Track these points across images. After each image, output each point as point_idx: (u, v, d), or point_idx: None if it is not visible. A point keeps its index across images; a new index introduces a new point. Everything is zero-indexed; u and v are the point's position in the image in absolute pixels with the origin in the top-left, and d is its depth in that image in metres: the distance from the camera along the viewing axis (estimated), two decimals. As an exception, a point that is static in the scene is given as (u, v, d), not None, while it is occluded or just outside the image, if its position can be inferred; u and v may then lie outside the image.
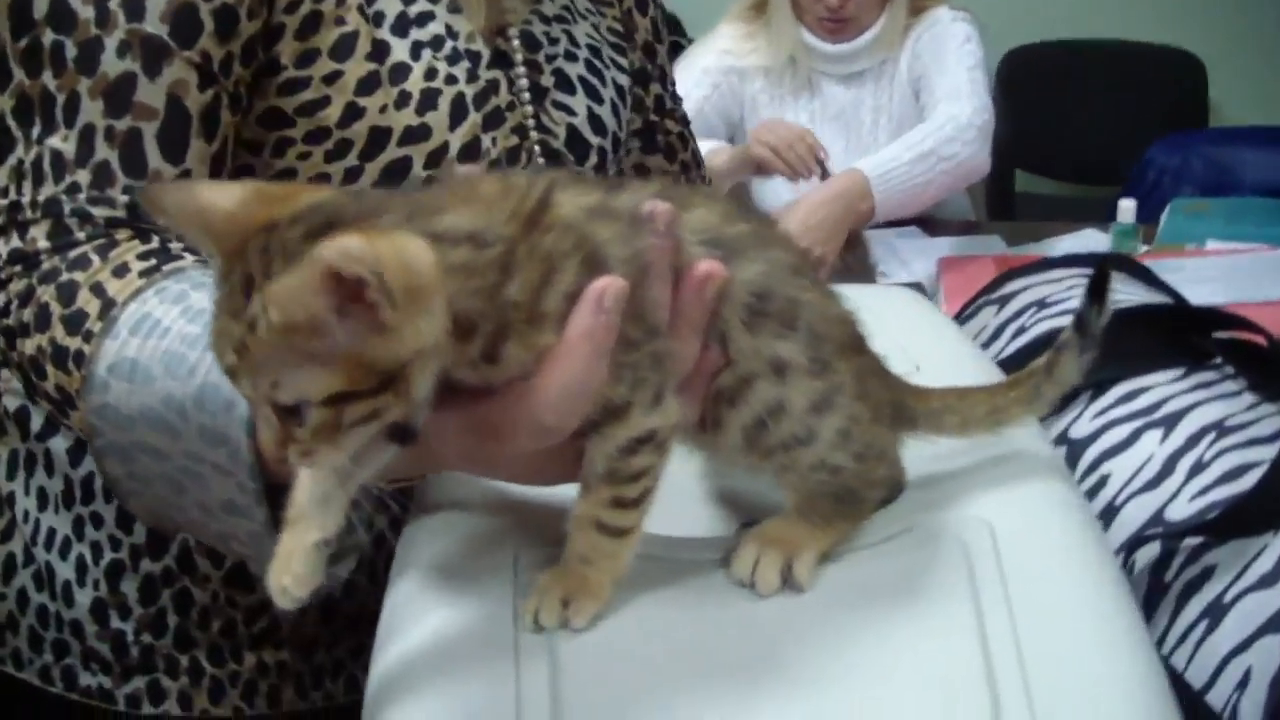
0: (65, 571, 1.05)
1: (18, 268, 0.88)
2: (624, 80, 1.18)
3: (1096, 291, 0.78)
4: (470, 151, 1.03)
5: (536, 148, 1.09)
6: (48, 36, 0.88)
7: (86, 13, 0.88)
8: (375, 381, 0.58)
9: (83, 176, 0.88)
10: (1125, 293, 1.22)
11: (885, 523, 0.72)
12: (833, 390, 0.69)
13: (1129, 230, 2.18)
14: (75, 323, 0.84)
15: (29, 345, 0.86)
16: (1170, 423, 1.00)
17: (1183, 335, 1.10)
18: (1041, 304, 1.22)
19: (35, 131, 0.89)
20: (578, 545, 0.67)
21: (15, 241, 0.88)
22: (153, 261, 0.86)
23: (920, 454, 0.76)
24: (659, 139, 1.28)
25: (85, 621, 1.06)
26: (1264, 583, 0.85)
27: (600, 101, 1.14)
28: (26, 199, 0.88)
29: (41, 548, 1.06)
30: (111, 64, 0.89)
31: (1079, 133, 3.46)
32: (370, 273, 0.53)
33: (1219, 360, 1.05)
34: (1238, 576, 0.86)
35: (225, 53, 0.92)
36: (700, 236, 0.66)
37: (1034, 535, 0.71)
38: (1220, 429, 0.97)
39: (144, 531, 1.04)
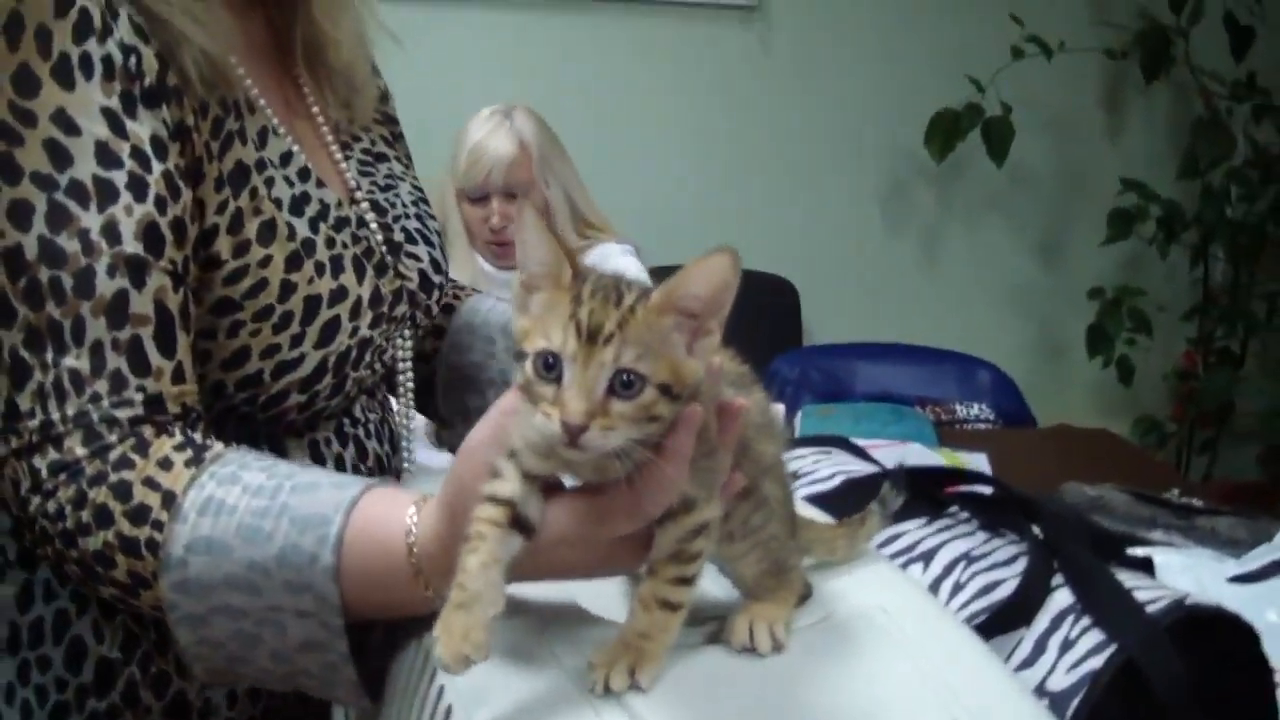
0: (11, 717, 1.11)
1: (62, 476, 0.98)
2: (435, 224, 1.39)
3: (894, 479, 1.12)
4: (376, 299, 1.21)
5: (404, 290, 1.27)
6: (44, 273, 0.99)
7: (73, 246, 1.00)
8: (676, 392, 0.78)
9: (101, 386, 0.99)
10: (854, 465, 1.53)
11: (813, 610, 0.97)
12: (787, 493, 0.96)
13: (781, 431, 2.53)
14: (140, 515, 0.97)
15: (92, 543, 0.97)
16: (928, 557, 1.29)
17: (919, 491, 1.40)
18: (795, 475, 1.50)
19: (49, 356, 0.99)
20: (639, 623, 0.86)
21: (53, 455, 0.98)
22: (190, 453, 1.00)
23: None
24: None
25: None
26: (1025, 664, 1.14)
27: (434, 246, 1.35)
28: (56, 415, 0.98)
29: None
30: (105, 284, 1.00)
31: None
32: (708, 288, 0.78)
33: (954, 509, 1.35)
34: (1005, 661, 1.15)
35: (183, 257, 1.06)
36: (727, 379, 0.89)
37: (910, 610, 0.97)
38: (969, 558, 1.26)
39: (92, 670, 1.12)
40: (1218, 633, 1.13)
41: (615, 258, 2.82)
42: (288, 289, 1.13)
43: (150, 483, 0.97)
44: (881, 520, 1.09)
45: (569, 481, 0.86)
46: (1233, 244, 3.96)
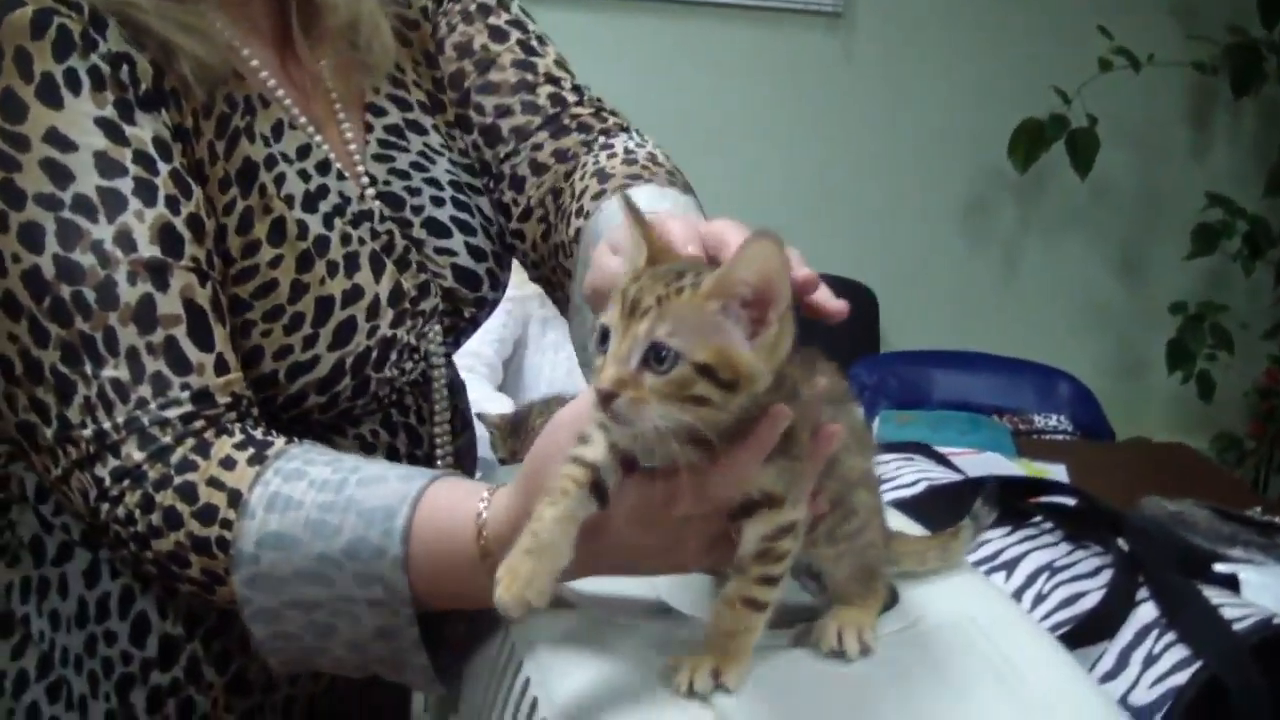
0: (80, 686, 1.15)
1: (126, 483, 1.00)
2: (483, 202, 1.32)
3: (987, 494, 1.11)
4: (396, 296, 1.19)
5: (433, 284, 1.24)
6: (65, 290, 1.00)
7: (89, 260, 1.00)
8: (725, 378, 0.78)
9: (145, 390, 1.00)
10: (936, 471, 1.53)
11: (900, 616, 0.98)
12: (876, 497, 0.98)
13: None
14: (208, 515, 0.99)
15: (164, 544, 1.00)
16: (1010, 566, 1.29)
17: (1002, 500, 1.40)
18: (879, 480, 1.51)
19: (88, 369, 1.00)
20: (725, 622, 0.88)
21: (114, 462, 1.00)
22: (252, 450, 1.01)
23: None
24: (566, 123, 1.33)
25: None
26: (1108, 677, 1.14)
27: (473, 233, 1.29)
28: (108, 424, 1.00)
29: (57, 664, 1.15)
30: (128, 292, 1.01)
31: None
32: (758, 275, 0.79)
33: (1037, 518, 1.35)
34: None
35: (205, 251, 1.06)
36: (826, 398, 0.90)
37: (998, 619, 0.98)
38: (1051, 569, 1.27)
39: (156, 645, 1.15)
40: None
41: None
42: (298, 290, 1.13)
43: (215, 483, 1.00)
44: (974, 534, 1.09)
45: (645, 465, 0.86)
46: (1319, 262, 3.90)
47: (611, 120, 1.36)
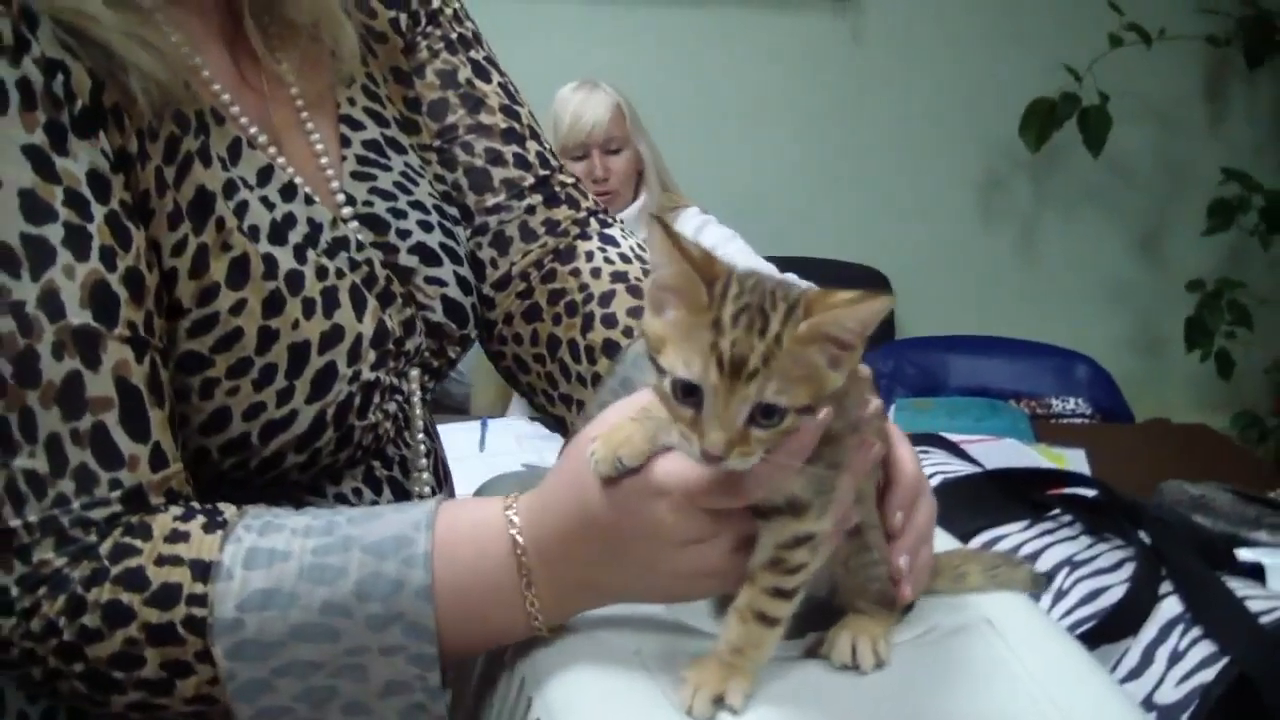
0: None
1: (42, 591, 0.85)
2: (462, 235, 1.18)
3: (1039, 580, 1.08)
4: (380, 336, 1.05)
5: (418, 320, 1.11)
6: None
7: (7, 325, 0.85)
8: (817, 407, 0.77)
9: (66, 486, 0.85)
10: (953, 464, 1.50)
11: (915, 623, 0.95)
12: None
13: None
14: (168, 597, 0.85)
15: (106, 649, 0.85)
16: (1030, 561, 1.26)
17: (1019, 493, 1.37)
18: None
19: None
20: (733, 636, 0.84)
21: (20, 568, 0.85)
22: (202, 518, 0.88)
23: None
24: (557, 191, 1.24)
25: None
26: (1132, 676, 1.11)
27: (460, 263, 1.15)
28: (16, 523, 0.84)
29: None
30: (52, 368, 0.85)
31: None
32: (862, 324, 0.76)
33: (1055, 511, 1.32)
34: (1110, 673, 1.12)
35: (144, 314, 0.91)
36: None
37: (1015, 622, 0.95)
38: (1071, 564, 1.24)
39: None
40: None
41: (694, 222, 2.97)
42: (267, 338, 0.97)
43: (167, 560, 0.86)
44: (1031, 585, 1.04)
45: None
46: (1336, 236, 3.85)
47: (590, 199, 1.27)
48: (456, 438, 2.15)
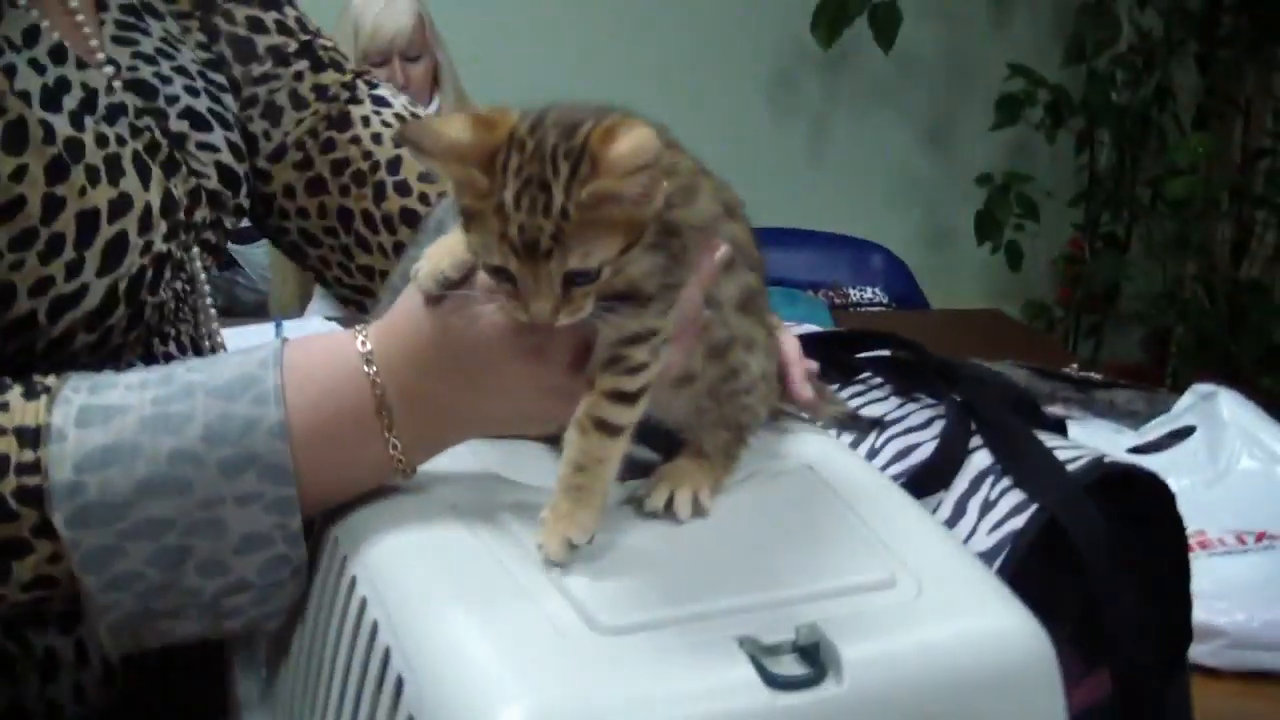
0: None
1: None
2: (231, 101, 1.14)
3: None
4: (168, 206, 1.00)
5: (202, 190, 1.06)
6: None
7: None
8: (633, 241, 0.74)
9: None
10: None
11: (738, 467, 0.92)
12: (770, 363, 0.93)
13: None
14: None
15: None
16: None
17: (828, 357, 1.36)
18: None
19: None
20: (574, 452, 0.78)
21: None
22: (20, 387, 0.81)
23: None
24: (321, 55, 1.20)
25: None
26: (946, 526, 1.10)
27: (230, 128, 1.11)
28: None
29: None
30: None
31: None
32: (654, 154, 0.70)
33: (865, 375, 1.31)
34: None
35: None
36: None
37: (836, 466, 0.94)
38: (882, 424, 1.23)
39: None
40: (1134, 492, 1.11)
41: None
42: (53, 205, 0.90)
43: None
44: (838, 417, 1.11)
45: None
46: (1118, 130, 3.97)
47: (351, 61, 1.24)
48: (249, 339, 2.06)
